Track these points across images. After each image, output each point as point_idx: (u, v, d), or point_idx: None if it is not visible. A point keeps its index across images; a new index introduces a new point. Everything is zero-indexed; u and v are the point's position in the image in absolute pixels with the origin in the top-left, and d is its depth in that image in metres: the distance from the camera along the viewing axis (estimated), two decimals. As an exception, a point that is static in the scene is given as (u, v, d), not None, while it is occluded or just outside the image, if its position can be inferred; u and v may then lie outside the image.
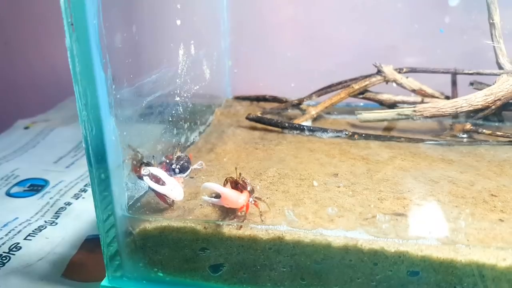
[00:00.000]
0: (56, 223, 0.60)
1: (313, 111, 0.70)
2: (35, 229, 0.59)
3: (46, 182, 0.71)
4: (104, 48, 0.38)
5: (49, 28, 1.07)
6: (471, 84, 0.66)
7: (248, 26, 0.84)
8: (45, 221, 0.60)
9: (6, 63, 1.13)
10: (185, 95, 0.60)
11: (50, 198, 0.66)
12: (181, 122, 0.60)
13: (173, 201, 0.45)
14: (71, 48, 0.37)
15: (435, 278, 0.38)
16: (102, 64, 0.38)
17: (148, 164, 0.44)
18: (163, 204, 0.45)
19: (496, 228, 0.40)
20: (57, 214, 0.62)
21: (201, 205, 0.45)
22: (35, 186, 0.70)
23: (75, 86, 0.38)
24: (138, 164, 0.44)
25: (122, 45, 0.42)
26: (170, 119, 0.56)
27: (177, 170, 0.46)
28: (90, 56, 0.37)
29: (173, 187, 0.43)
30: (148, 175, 0.42)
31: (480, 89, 0.63)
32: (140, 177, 0.43)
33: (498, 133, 0.61)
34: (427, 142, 0.62)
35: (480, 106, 0.60)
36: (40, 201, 0.65)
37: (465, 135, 0.63)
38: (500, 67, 0.64)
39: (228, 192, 0.41)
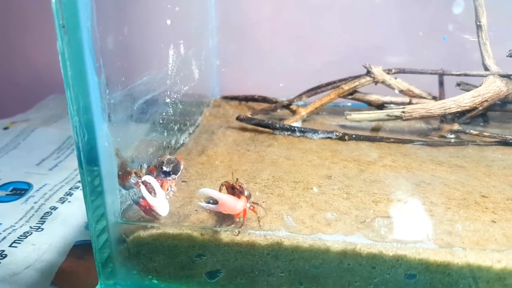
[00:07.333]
0: (42, 229, 0.58)
1: (303, 112, 0.70)
2: (21, 236, 0.57)
3: (29, 186, 0.68)
4: (97, 51, 0.37)
5: (29, 25, 1.03)
6: (458, 84, 0.67)
7: (235, 25, 0.83)
8: (31, 227, 0.58)
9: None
10: (175, 96, 0.59)
11: (35, 203, 0.64)
12: (171, 124, 0.59)
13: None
14: (63, 51, 0.36)
15: (431, 281, 0.39)
16: (95, 68, 0.37)
17: (136, 174, 0.43)
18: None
19: (489, 230, 0.41)
20: (42, 220, 0.60)
21: (196, 210, 0.44)
22: (18, 190, 0.67)
23: (66, 91, 0.37)
24: (126, 174, 0.42)
25: (114, 47, 0.41)
26: (160, 121, 0.55)
27: (172, 174, 0.45)
28: (83, 60, 0.36)
29: (163, 200, 0.42)
30: (143, 182, 0.41)
31: (467, 90, 0.64)
32: (125, 187, 0.42)
33: (485, 133, 0.62)
34: (416, 143, 0.62)
35: (468, 107, 0.61)
36: (24, 206, 0.63)
37: (452, 136, 0.64)
38: (486, 69, 0.65)
39: (226, 198, 0.41)
